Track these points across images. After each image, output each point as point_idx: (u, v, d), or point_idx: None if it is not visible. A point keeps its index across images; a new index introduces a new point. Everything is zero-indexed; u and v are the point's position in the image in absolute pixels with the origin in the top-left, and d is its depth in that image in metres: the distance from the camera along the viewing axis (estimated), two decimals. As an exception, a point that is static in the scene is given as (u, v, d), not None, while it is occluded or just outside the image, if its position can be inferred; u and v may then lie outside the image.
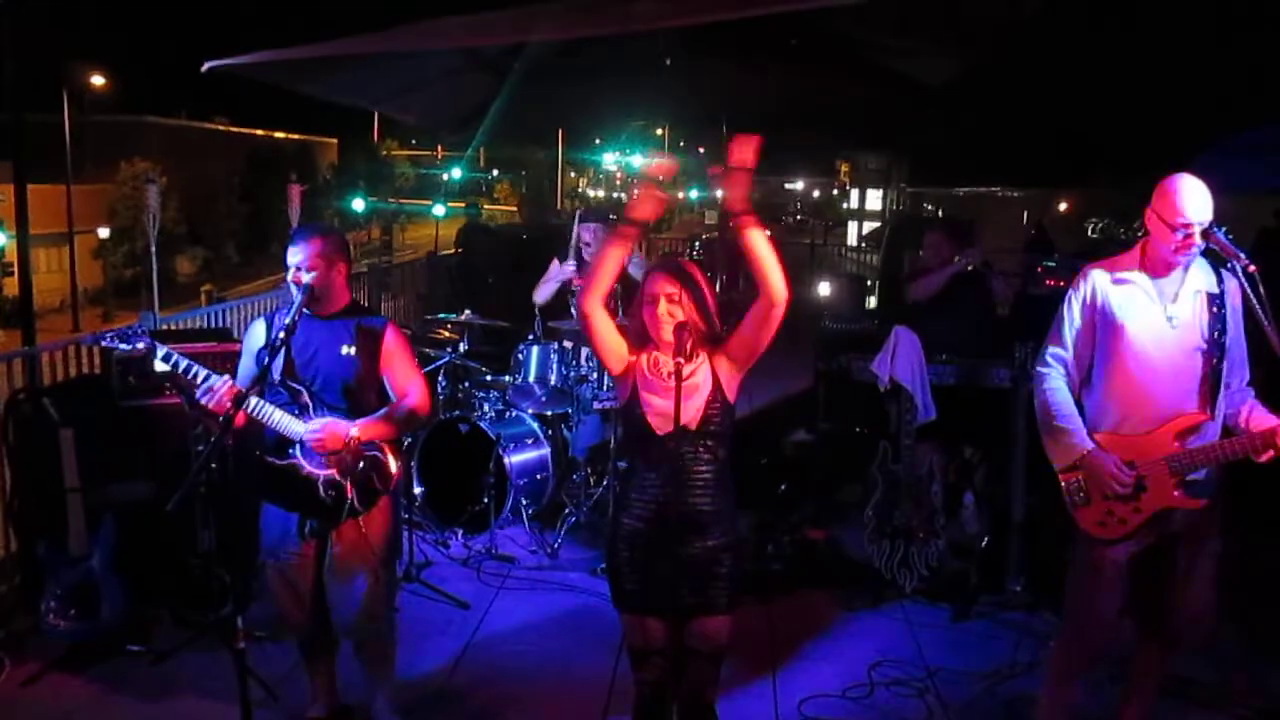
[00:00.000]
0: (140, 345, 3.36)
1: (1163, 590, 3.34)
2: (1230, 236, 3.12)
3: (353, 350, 3.49)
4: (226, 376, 3.31)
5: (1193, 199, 3.11)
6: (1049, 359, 3.43)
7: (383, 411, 3.49)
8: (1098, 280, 3.34)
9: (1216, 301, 3.22)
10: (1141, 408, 3.25)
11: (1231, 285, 3.22)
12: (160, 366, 3.38)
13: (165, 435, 4.78)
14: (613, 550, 3.10)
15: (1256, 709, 4.08)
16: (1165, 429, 3.21)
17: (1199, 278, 3.26)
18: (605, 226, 5.87)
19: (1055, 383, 3.39)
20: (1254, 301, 3.03)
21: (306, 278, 3.41)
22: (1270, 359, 2.99)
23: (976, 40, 5.37)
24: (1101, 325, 3.32)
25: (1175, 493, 3.20)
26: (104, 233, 34.91)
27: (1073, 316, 3.38)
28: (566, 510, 5.97)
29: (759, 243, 2.94)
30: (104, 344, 3.51)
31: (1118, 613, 3.41)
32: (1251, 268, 3.03)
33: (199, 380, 3.28)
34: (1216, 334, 3.20)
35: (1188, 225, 3.10)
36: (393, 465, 3.53)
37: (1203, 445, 3.18)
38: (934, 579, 5.09)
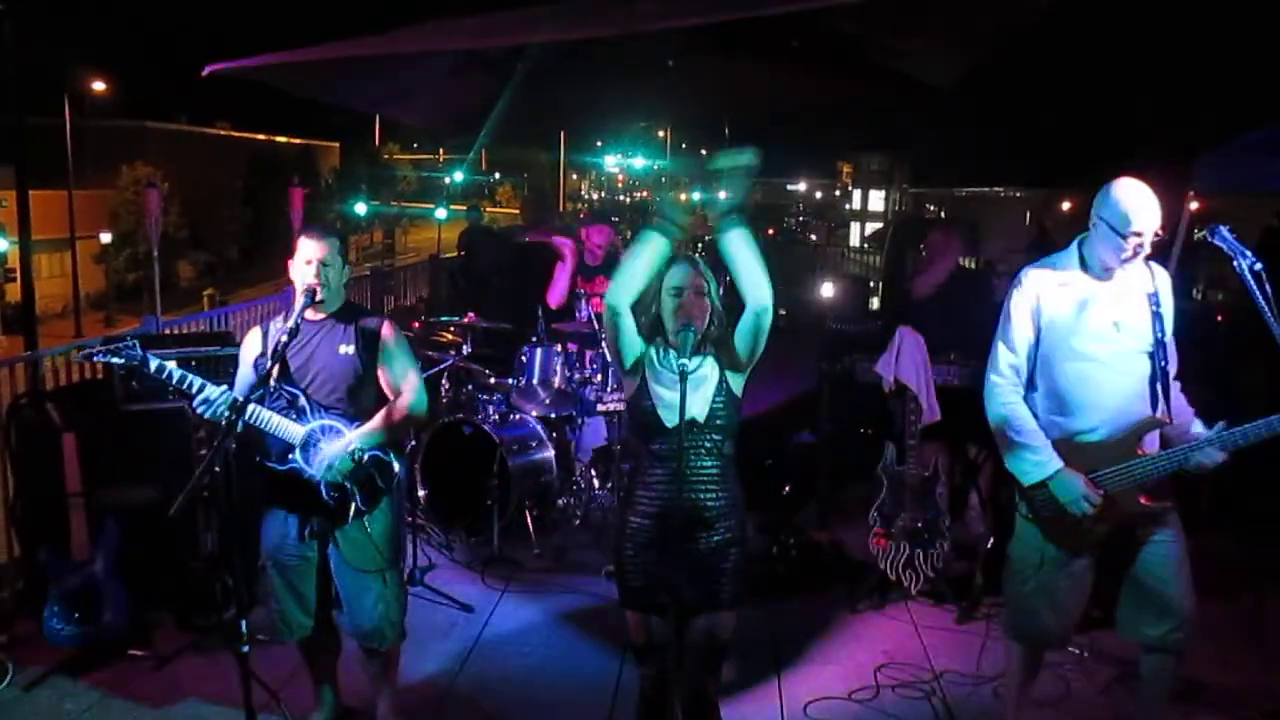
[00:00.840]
0: (134, 358, 3.32)
1: (1146, 594, 3.29)
2: (1235, 235, 3.10)
3: (351, 349, 3.48)
4: (224, 386, 3.30)
5: (1143, 208, 3.09)
6: (1002, 369, 3.36)
7: (381, 414, 3.49)
8: (1040, 284, 3.30)
9: (1154, 300, 3.21)
10: (1092, 412, 3.23)
11: (1162, 281, 3.23)
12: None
13: (168, 439, 4.77)
14: (618, 548, 3.11)
15: (1263, 710, 4.06)
16: (1126, 435, 3.20)
17: (1137, 277, 3.24)
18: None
19: (1011, 396, 3.34)
20: (1260, 300, 3.01)
21: (331, 273, 3.43)
22: (1276, 358, 2.97)
23: (978, 41, 5.36)
24: (1047, 331, 3.28)
25: (1141, 499, 3.19)
26: (106, 238, 34.91)
27: (1019, 321, 3.33)
28: (571, 512, 5.95)
29: (740, 244, 2.96)
30: (95, 359, 3.47)
31: (1076, 606, 3.39)
32: (1258, 266, 3.01)
33: (194, 390, 3.26)
34: (1159, 335, 3.20)
35: (1139, 234, 3.09)
36: (395, 464, 3.53)
37: (1168, 451, 3.16)
38: (939, 580, 5.07)
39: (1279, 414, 2.99)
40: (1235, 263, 3.06)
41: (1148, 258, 3.22)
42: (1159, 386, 3.22)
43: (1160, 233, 3.12)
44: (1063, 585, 3.36)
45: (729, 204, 2.95)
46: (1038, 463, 3.26)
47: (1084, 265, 3.27)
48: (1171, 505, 3.25)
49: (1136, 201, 3.10)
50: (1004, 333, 3.38)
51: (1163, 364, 3.21)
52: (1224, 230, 3.07)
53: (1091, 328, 3.21)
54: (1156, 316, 3.21)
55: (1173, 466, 3.14)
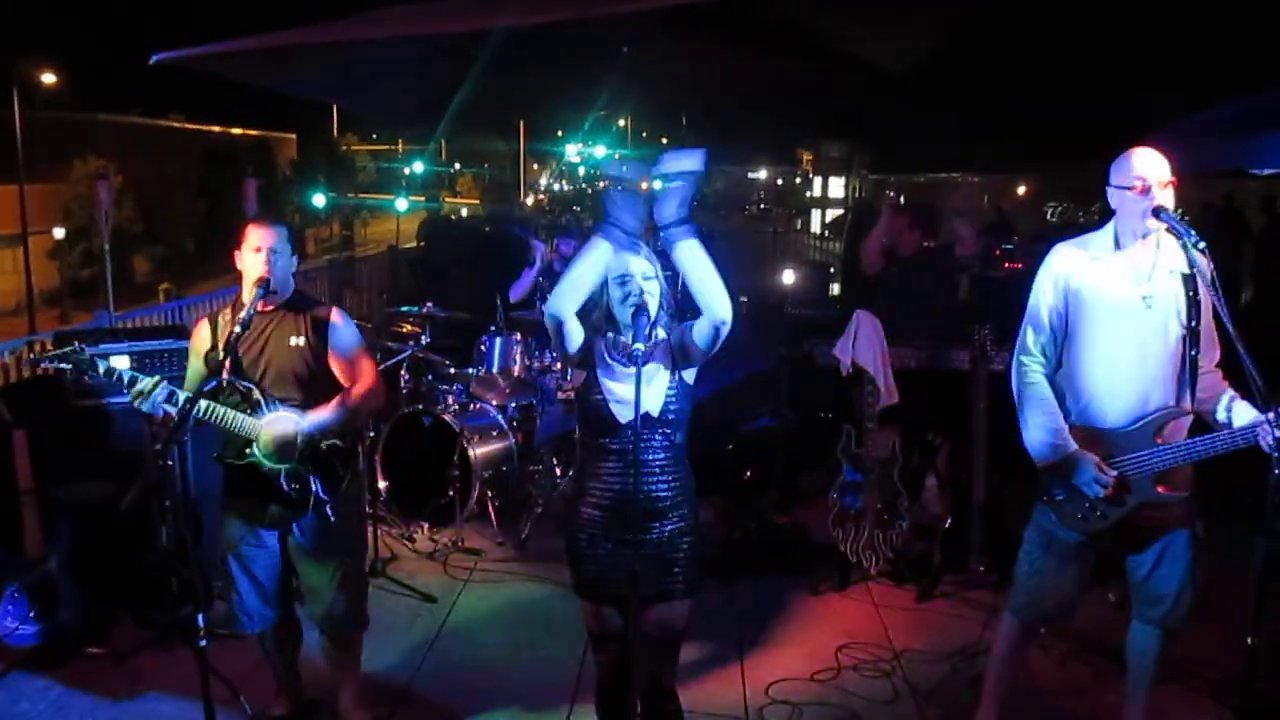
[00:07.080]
0: (82, 363, 3.29)
1: (1151, 576, 3.31)
2: (1181, 217, 3.13)
3: (301, 340, 3.46)
4: (174, 388, 3.28)
5: (1146, 156, 3.14)
6: (1029, 346, 3.34)
7: (335, 401, 3.47)
8: (1071, 259, 3.28)
9: (1191, 284, 3.16)
10: (1116, 392, 3.21)
11: (1201, 263, 3.14)
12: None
13: (122, 434, 4.72)
14: (571, 538, 3.07)
15: (1210, 678, 4.14)
16: (1145, 424, 3.18)
17: (1171, 257, 3.19)
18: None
19: (1035, 376, 3.31)
20: (1210, 279, 3.05)
21: (281, 262, 3.40)
22: (1220, 334, 3.02)
23: (935, 24, 5.40)
24: (1076, 305, 3.25)
25: (1158, 489, 3.18)
26: (59, 233, 34.31)
27: (1047, 296, 3.31)
28: (533, 501, 5.95)
29: (693, 258, 2.76)
30: (44, 365, 3.45)
31: (1077, 589, 3.43)
32: (1203, 244, 3.02)
33: (146, 391, 3.24)
34: (1193, 322, 3.15)
35: (1144, 178, 3.09)
36: (355, 450, 3.52)
37: (1186, 442, 3.15)
38: (898, 561, 5.13)
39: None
40: (1181, 242, 3.10)
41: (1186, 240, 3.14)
42: (1185, 375, 3.18)
43: (1176, 186, 3.12)
44: (1070, 570, 3.37)
45: (674, 216, 2.73)
46: (1053, 445, 3.24)
47: (1117, 245, 3.24)
48: (1188, 495, 3.23)
49: (1138, 153, 3.15)
50: (1033, 310, 3.35)
51: (1192, 353, 3.16)
52: (1164, 214, 3.10)
53: (1122, 301, 3.18)
54: (1192, 302, 3.15)
55: (1193, 456, 3.12)
